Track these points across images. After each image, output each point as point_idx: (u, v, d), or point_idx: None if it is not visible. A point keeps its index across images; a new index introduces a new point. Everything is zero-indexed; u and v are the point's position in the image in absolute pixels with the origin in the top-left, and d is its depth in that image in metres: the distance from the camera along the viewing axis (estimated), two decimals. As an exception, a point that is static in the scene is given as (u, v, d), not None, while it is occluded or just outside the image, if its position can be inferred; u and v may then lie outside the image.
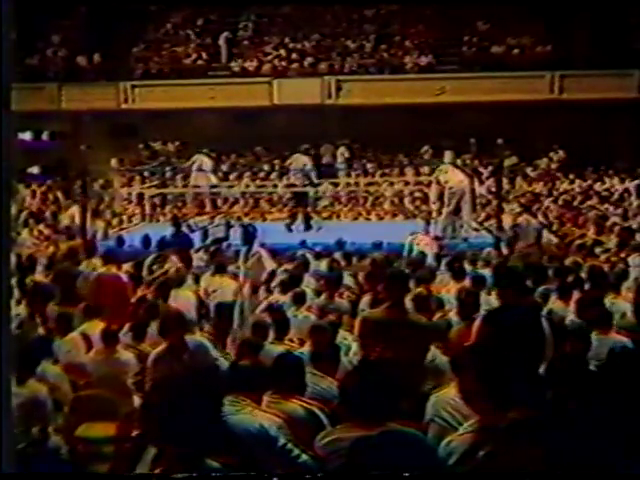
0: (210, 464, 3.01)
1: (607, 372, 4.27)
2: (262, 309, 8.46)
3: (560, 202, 20.30)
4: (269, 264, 10.87)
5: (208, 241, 15.43)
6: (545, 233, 16.31)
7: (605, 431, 3.15)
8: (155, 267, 11.01)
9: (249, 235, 15.09)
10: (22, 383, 5.87)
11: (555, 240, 15.84)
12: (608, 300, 7.89)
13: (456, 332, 6.78)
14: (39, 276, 10.87)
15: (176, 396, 3.15)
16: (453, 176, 16.55)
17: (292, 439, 4.11)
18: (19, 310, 8.47)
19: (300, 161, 19.08)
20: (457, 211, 16.38)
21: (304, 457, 3.95)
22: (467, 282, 9.04)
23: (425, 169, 22.94)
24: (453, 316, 7.50)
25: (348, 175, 23.39)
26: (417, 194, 21.48)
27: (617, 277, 9.23)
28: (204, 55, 25.76)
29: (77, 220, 17.20)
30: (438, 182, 16.79)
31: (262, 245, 12.65)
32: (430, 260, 11.90)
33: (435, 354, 5.96)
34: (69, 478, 3.04)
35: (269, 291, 9.84)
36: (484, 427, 3.63)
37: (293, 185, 19.34)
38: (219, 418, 3.39)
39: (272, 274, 10.39)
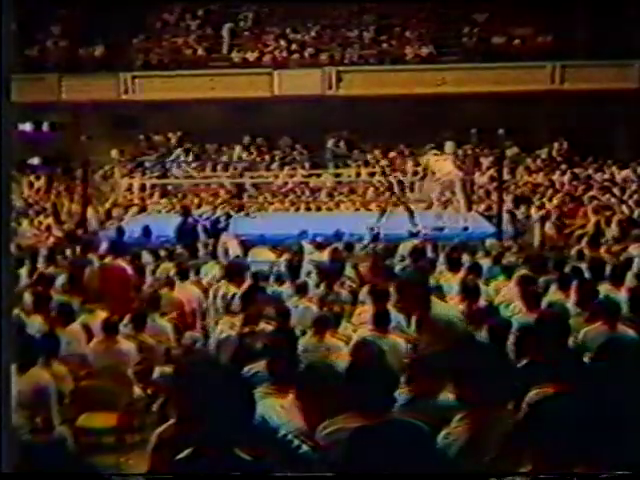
0: (238, 454, 2.90)
1: (607, 364, 4.28)
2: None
3: (560, 192, 20.26)
4: (234, 251, 11.12)
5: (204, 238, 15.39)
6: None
7: (604, 424, 3.15)
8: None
9: (215, 226, 15.14)
10: (24, 373, 5.88)
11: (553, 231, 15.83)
12: (609, 291, 7.87)
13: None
14: (40, 267, 10.88)
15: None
16: (443, 167, 16.57)
17: (293, 430, 4.09)
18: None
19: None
20: (446, 202, 16.42)
21: (305, 448, 3.93)
22: (463, 272, 9.12)
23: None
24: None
25: (347, 165, 23.44)
26: (417, 185, 21.49)
27: (619, 268, 9.18)
28: (205, 46, 25.72)
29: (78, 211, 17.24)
30: (432, 173, 16.85)
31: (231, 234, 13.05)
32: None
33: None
34: (70, 478, 3.01)
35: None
36: (480, 418, 3.64)
37: None
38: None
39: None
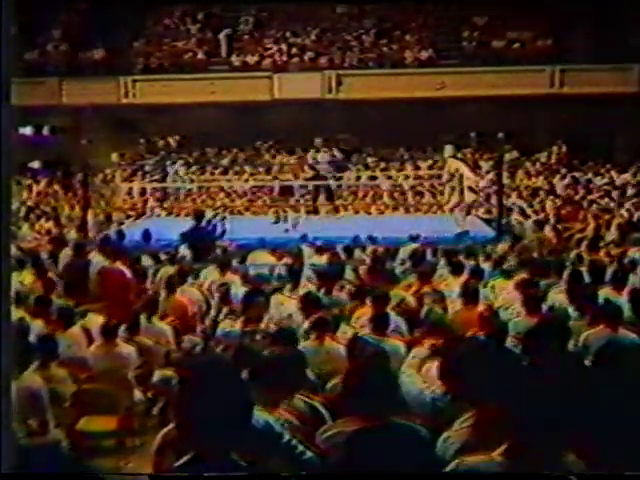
0: (235, 458, 2.84)
1: (608, 367, 4.28)
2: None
3: (560, 196, 20.27)
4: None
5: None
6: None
7: (605, 427, 3.15)
8: None
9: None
10: (18, 377, 5.88)
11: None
12: (610, 295, 7.86)
13: (457, 315, 6.96)
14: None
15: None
16: (468, 174, 16.56)
17: (297, 435, 4.07)
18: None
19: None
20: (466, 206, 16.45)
21: (309, 454, 3.91)
22: (465, 275, 9.10)
23: (424, 163, 23.06)
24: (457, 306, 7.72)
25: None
26: (418, 188, 21.52)
27: (620, 271, 9.16)
28: (205, 49, 25.75)
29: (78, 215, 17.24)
30: (452, 178, 16.82)
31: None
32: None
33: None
34: (70, 478, 3.00)
35: None
36: (480, 421, 3.63)
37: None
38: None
39: None
